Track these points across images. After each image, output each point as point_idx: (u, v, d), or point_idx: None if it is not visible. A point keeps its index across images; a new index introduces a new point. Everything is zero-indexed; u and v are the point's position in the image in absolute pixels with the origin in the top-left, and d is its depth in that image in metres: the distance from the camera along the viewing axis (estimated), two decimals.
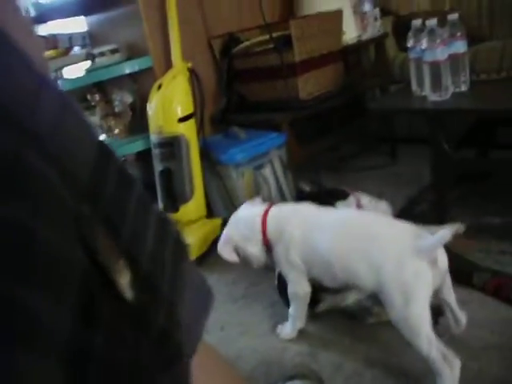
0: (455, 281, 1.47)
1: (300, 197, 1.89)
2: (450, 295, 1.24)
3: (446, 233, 1.11)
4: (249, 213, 1.50)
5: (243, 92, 2.44)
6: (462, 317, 1.26)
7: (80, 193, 0.29)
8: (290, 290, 1.43)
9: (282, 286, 1.51)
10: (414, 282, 1.12)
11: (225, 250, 1.49)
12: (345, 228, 1.32)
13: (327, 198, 1.70)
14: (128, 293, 0.29)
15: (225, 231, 1.54)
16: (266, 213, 1.45)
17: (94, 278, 0.27)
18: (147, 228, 0.33)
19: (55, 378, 0.24)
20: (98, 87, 2.60)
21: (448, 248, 1.63)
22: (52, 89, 0.30)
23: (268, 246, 1.43)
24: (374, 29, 2.71)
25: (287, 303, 1.48)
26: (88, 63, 2.40)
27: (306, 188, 1.95)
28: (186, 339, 0.34)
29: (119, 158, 0.34)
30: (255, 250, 1.45)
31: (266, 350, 1.46)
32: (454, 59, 1.70)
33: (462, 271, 1.50)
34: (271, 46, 2.24)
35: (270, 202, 1.59)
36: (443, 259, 1.17)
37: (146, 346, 0.30)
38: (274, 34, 2.21)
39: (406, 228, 1.22)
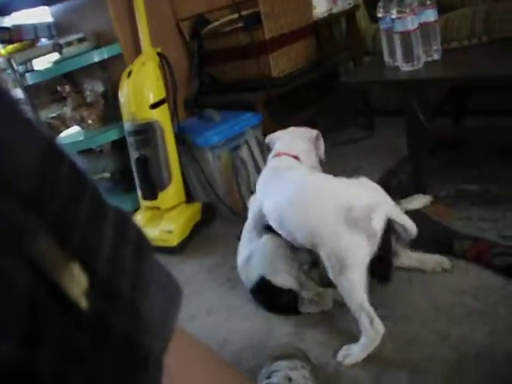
0: (436, 250, 1.48)
1: None
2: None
3: (375, 203, 1.21)
4: None
5: (215, 73, 2.41)
6: (411, 224, 1.31)
7: (23, 202, 0.27)
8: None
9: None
10: (348, 254, 1.19)
11: None
12: (293, 192, 1.41)
13: None
14: (83, 302, 0.28)
15: None
16: None
17: (41, 293, 0.26)
18: (102, 230, 0.32)
19: None
20: (68, 78, 2.55)
21: (428, 217, 1.65)
22: None
23: None
24: (345, 1, 2.68)
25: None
26: (56, 54, 2.34)
27: None
28: (154, 340, 0.33)
29: (71, 158, 0.32)
30: None
31: (253, 331, 1.45)
32: (424, 28, 1.69)
33: (442, 240, 1.51)
34: (240, 24, 2.20)
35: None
36: (379, 225, 1.22)
37: (108, 356, 0.29)
38: (243, 13, 2.17)
39: (342, 197, 1.26)
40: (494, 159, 1.96)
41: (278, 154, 1.62)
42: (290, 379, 1.00)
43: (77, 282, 0.28)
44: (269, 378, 1.04)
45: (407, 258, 1.46)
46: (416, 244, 1.43)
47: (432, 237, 1.51)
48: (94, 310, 0.28)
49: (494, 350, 1.17)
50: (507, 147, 1.93)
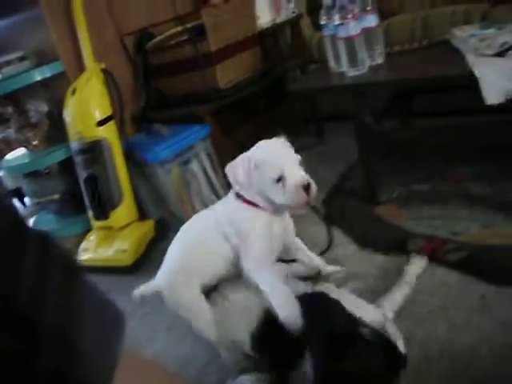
0: (390, 249, 1.49)
1: None
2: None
3: None
4: None
5: (162, 88, 2.39)
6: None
7: None
8: None
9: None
10: None
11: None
12: None
13: None
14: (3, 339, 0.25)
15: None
16: None
17: None
18: (22, 260, 0.29)
19: None
20: (10, 98, 2.47)
21: (380, 218, 1.66)
22: None
23: None
24: (288, 11, 2.71)
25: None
26: None
27: None
28: (93, 371, 0.30)
29: None
30: None
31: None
32: (367, 33, 1.71)
33: (396, 240, 1.53)
34: (185, 37, 2.19)
35: None
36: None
37: None
38: (188, 25, 2.16)
39: None
40: (442, 159, 2.00)
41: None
42: None
43: None
44: None
45: None
46: (371, 246, 1.45)
47: (386, 238, 1.53)
48: (14, 348, 0.25)
49: (456, 345, 1.18)
50: (452, 146, 1.97)
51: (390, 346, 1.00)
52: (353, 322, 1.01)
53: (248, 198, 1.31)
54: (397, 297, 1.30)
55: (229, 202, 1.37)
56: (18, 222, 0.31)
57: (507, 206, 1.61)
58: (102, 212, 1.99)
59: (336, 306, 1.05)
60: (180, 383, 0.68)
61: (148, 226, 2.04)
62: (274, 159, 1.24)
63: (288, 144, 1.36)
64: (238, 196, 1.33)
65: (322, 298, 1.10)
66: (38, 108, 2.39)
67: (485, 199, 1.68)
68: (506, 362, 1.11)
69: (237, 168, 1.30)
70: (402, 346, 1.09)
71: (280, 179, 1.21)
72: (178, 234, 1.41)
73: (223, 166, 2.18)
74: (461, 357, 1.16)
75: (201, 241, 1.35)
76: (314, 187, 1.22)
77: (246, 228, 1.28)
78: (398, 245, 1.50)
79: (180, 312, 1.31)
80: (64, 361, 0.28)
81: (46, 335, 0.28)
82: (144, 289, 1.38)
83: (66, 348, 0.29)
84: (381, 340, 1.00)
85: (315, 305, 1.08)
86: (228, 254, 1.31)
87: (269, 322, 1.13)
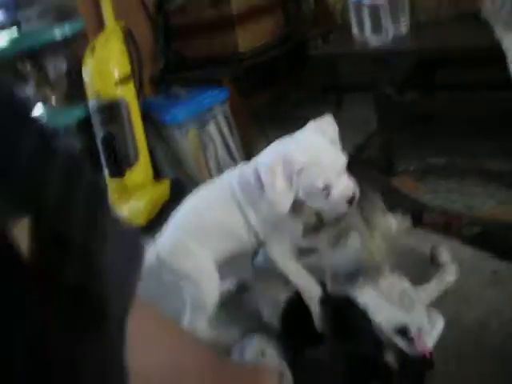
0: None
1: None
2: None
3: None
4: None
5: (182, 49, 2.36)
6: None
7: None
8: None
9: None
10: None
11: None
12: None
13: None
14: (28, 248, 0.26)
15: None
16: None
17: None
18: (50, 171, 0.29)
19: None
20: (29, 55, 2.46)
21: (397, 190, 1.65)
22: None
23: None
24: None
25: None
26: (14, 30, 2.26)
27: None
28: (111, 293, 0.31)
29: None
30: None
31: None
32: (393, 1, 1.68)
33: (412, 213, 1.52)
34: None
35: None
36: None
37: (57, 307, 0.27)
38: None
39: None
40: (460, 133, 1.97)
41: None
42: (263, 353, 0.99)
43: (21, 227, 0.26)
44: (242, 353, 1.03)
45: None
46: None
47: (402, 210, 1.52)
48: (40, 257, 0.26)
49: (465, 319, 1.19)
50: (472, 121, 1.95)
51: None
52: (378, 344, 0.99)
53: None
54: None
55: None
56: (48, 134, 0.31)
57: None
58: (118, 170, 1.99)
59: (362, 319, 1.03)
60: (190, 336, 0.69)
61: (163, 187, 2.04)
62: (319, 164, 1.08)
63: (332, 128, 1.22)
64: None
65: (349, 309, 1.07)
66: (57, 66, 2.38)
67: (501, 175, 1.66)
68: None
69: (276, 172, 1.07)
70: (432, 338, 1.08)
71: (325, 188, 1.07)
72: (190, 199, 1.27)
73: (241, 131, 2.20)
74: (469, 330, 1.16)
75: (213, 209, 1.21)
76: (357, 196, 1.10)
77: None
78: (414, 217, 1.50)
79: (181, 282, 1.21)
80: (87, 277, 0.29)
81: (72, 249, 0.28)
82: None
83: (89, 265, 0.29)
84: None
85: (341, 316, 1.05)
86: (242, 232, 1.18)
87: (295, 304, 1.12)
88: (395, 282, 1.13)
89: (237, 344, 1.15)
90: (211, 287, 1.18)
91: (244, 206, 1.15)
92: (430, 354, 1.01)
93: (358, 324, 1.01)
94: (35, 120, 0.32)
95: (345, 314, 1.04)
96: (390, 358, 0.98)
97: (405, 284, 1.14)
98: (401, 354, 0.99)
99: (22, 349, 0.24)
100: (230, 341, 1.20)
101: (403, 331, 1.01)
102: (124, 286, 0.35)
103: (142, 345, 0.52)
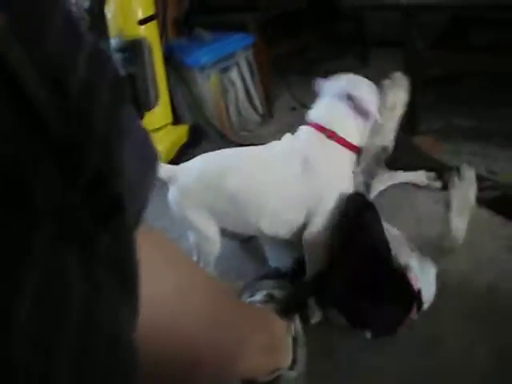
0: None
1: None
2: None
3: None
4: None
5: None
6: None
7: None
8: None
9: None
10: None
11: None
12: None
13: None
14: (55, 124, 0.25)
15: None
16: None
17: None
18: (78, 51, 0.28)
19: None
20: None
21: (418, 148, 1.63)
22: None
23: None
24: None
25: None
26: None
27: None
28: (127, 193, 0.30)
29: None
30: None
31: (239, 253, 1.44)
32: None
33: (432, 171, 1.50)
34: None
35: None
36: None
37: (78, 189, 0.26)
38: None
39: None
40: (488, 97, 1.93)
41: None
42: (272, 296, 1.00)
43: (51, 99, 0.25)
44: (252, 296, 1.04)
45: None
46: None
47: (422, 168, 1.50)
48: (65, 134, 0.25)
49: (475, 281, 1.18)
50: (503, 85, 1.90)
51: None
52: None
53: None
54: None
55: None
56: (75, 18, 0.30)
57: None
58: (138, 112, 1.98)
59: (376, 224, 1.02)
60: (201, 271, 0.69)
61: (182, 131, 2.03)
62: None
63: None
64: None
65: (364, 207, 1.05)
66: (79, 2, 2.34)
67: None
68: None
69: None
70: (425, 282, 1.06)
71: None
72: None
73: (263, 79, 2.16)
74: (479, 293, 1.16)
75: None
76: None
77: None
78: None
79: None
80: (106, 166, 0.28)
81: (95, 135, 0.27)
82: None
83: (108, 155, 0.28)
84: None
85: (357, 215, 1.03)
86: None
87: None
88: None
89: (246, 288, 1.16)
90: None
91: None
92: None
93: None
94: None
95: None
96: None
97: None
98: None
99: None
100: (239, 286, 1.21)
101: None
102: (138, 192, 0.34)
103: (147, 269, 0.52)
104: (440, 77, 2.01)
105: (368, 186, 1.23)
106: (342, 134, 1.11)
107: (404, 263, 1.00)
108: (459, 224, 1.07)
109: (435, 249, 1.09)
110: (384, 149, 1.16)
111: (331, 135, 1.10)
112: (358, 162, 1.15)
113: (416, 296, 0.97)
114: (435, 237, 1.13)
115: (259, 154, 1.15)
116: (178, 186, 1.14)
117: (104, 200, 0.28)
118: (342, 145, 1.10)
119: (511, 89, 1.90)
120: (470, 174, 1.10)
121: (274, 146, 1.15)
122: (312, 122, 1.15)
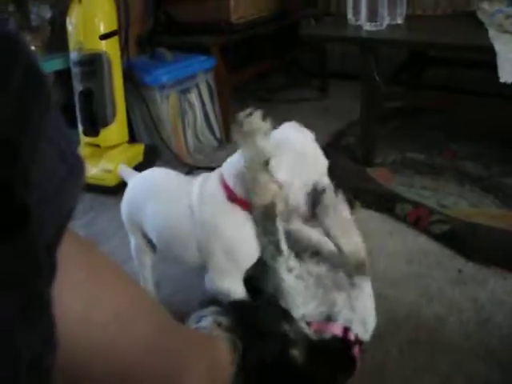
0: (379, 210, 1.49)
1: None
2: None
3: None
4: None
5: (172, 12, 2.30)
6: None
7: None
8: None
9: None
10: None
11: None
12: None
13: None
14: None
15: None
16: None
17: None
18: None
19: None
20: None
21: (373, 179, 1.65)
22: None
23: None
24: None
25: None
26: None
27: None
28: (42, 204, 0.27)
29: None
30: None
31: (184, 276, 1.42)
32: None
33: (385, 201, 1.52)
34: None
35: None
36: None
37: None
38: None
39: None
40: (443, 132, 1.98)
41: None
42: (219, 324, 0.97)
43: None
44: (198, 322, 1.01)
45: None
46: (360, 202, 1.44)
47: (376, 197, 1.52)
48: None
49: (424, 313, 1.19)
50: (456, 122, 1.96)
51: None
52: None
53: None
54: None
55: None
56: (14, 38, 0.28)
57: (498, 189, 1.61)
58: (93, 128, 1.94)
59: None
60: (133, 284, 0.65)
61: (137, 150, 2.00)
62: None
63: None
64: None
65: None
66: (41, 12, 2.30)
67: (478, 179, 1.68)
68: (470, 338, 1.13)
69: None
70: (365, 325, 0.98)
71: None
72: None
73: (222, 103, 2.16)
74: (427, 324, 1.17)
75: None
76: None
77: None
78: (386, 206, 1.49)
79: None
80: (11, 172, 0.25)
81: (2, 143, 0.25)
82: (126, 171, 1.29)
83: (13, 160, 0.25)
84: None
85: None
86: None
87: None
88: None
89: (192, 313, 1.13)
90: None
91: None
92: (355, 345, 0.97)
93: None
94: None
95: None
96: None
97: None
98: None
99: None
100: (187, 309, 1.18)
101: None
102: (58, 203, 0.32)
103: (82, 284, 0.49)
104: (396, 111, 2.06)
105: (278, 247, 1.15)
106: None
107: (326, 316, 0.97)
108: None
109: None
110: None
111: (232, 198, 1.00)
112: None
113: (349, 344, 0.94)
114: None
115: (176, 194, 1.08)
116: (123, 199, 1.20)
117: (7, 210, 0.25)
118: (241, 206, 0.99)
119: (465, 125, 1.97)
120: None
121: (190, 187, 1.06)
122: (222, 176, 1.03)
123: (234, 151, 2.23)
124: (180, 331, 0.74)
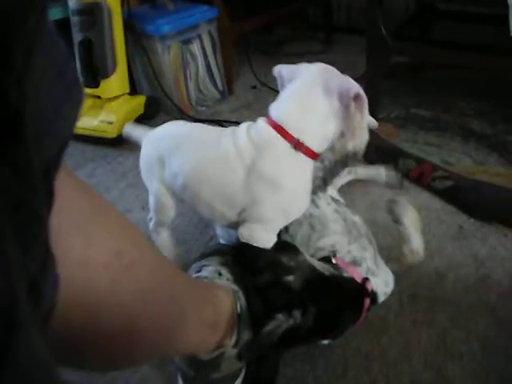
0: (382, 161, 1.48)
1: None
2: None
3: None
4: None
5: None
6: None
7: None
8: None
9: None
10: None
11: None
12: None
13: None
14: None
15: None
16: None
17: None
18: None
19: None
20: None
21: (376, 134, 1.62)
22: None
23: None
24: None
25: None
26: None
27: None
28: (39, 122, 0.26)
29: None
30: None
31: (187, 227, 1.42)
32: None
33: (388, 156, 1.50)
34: None
35: None
36: None
37: None
38: None
39: None
40: (449, 89, 1.94)
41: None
42: (220, 274, 0.97)
43: None
44: (199, 271, 1.01)
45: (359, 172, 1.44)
46: (363, 157, 1.43)
47: (379, 152, 1.50)
48: None
49: (424, 268, 1.19)
50: (464, 79, 1.92)
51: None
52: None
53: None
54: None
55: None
56: None
57: (503, 148, 1.59)
58: (93, 79, 1.90)
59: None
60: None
61: (138, 102, 1.97)
62: None
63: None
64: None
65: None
66: None
67: (483, 137, 1.65)
68: (469, 294, 1.13)
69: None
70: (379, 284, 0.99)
71: None
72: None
73: (224, 54, 2.12)
74: (427, 279, 1.17)
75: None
76: None
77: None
78: (389, 161, 1.48)
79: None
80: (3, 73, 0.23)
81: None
82: (132, 130, 1.21)
83: (7, 59, 0.24)
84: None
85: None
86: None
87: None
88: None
89: (194, 262, 1.13)
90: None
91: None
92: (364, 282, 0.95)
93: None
94: None
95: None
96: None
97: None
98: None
99: None
100: (189, 260, 1.18)
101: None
102: (54, 121, 0.30)
103: (83, 226, 0.48)
104: (402, 66, 2.02)
105: (325, 182, 1.18)
106: (309, 144, 0.91)
107: (352, 258, 0.98)
108: (418, 240, 1.06)
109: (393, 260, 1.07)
110: (354, 154, 1.07)
111: (298, 146, 0.91)
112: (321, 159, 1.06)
113: (363, 291, 0.94)
114: (392, 247, 1.12)
115: (209, 141, 1.04)
116: (141, 153, 1.12)
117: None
118: (306, 154, 0.92)
119: (472, 82, 1.93)
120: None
121: (226, 135, 0.99)
122: (275, 123, 0.92)
123: (236, 103, 2.22)
124: (181, 278, 0.74)
